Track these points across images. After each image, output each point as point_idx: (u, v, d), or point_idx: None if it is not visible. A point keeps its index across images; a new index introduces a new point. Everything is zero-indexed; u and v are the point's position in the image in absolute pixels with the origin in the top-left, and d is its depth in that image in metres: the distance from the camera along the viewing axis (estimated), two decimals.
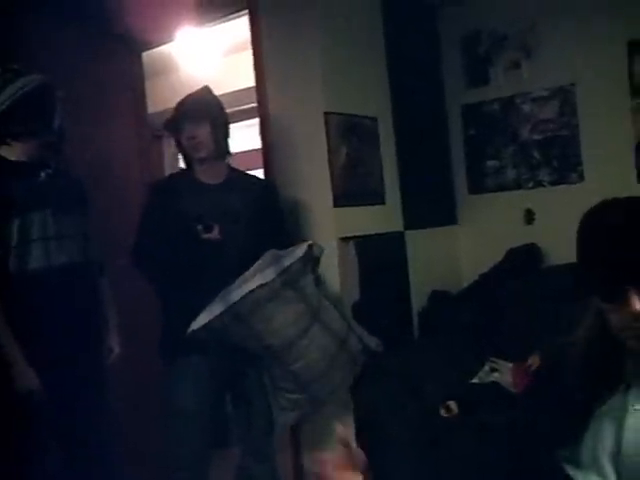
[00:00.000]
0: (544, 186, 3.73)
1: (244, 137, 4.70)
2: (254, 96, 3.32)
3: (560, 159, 3.66)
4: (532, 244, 3.63)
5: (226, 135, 2.78)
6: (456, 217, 4.03)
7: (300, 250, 2.64)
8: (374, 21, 3.48)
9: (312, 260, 2.69)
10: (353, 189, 3.24)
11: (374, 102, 3.44)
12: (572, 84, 3.59)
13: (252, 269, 2.58)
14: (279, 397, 2.73)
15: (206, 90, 2.79)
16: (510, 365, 3.15)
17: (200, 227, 2.58)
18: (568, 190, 3.61)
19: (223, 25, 3.63)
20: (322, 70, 3.12)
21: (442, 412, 2.88)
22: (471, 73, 3.93)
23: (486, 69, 3.87)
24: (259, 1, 3.24)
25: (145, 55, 3.86)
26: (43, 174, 2.55)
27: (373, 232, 3.31)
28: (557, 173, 3.68)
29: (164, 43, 3.85)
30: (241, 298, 2.48)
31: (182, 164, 2.91)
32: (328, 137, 3.10)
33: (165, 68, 4.67)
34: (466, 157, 3.99)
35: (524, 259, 3.60)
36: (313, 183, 3.14)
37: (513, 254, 3.63)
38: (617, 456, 1.30)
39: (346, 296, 3.05)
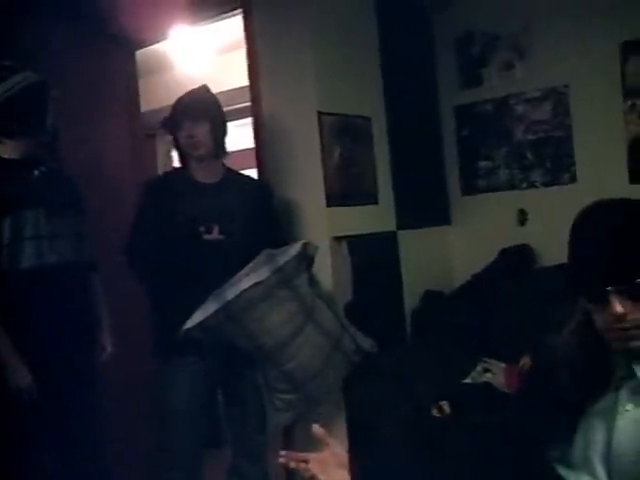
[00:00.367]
0: (537, 187, 3.73)
1: (237, 136, 4.70)
2: (247, 95, 3.32)
3: (553, 160, 3.66)
4: (525, 245, 3.64)
5: (224, 134, 2.78)
6: (449, 217, 4.03)
7: (294, 249, 2.64)
8: (368, 21, 3.48)
9: (306, 259, 2.69)
10: (346, 189, 3.24)
11: (368, 102, 3.44)
12: (565, 85, 3.60)
13: (246, 268, 2.57)
14: (273, 397, 2.73)
15: (204, 88, 2.79)
16: (503, 365, 3.16)
17: (202, 229, 2.58)
18: (561, 191, 3.62)
19: (216, 24, 3.62)
20: (316, 70, 3.12)
21: (434, 412, 2.88)
22: (464, 74, 3.93)
23: (479, 70, 3.88)
24: (253, 0, 3.24)
25: (138, 54, 3.85)
26: (37, 172, 2.54)
27: (366, 232, 3.31)
28: (550, 174, 3.68)
29: (157, 42, 3.83)
30: (235, 297, 2.48)
31: (176, 163, 2.91)
32: (321, 137, 3.10)
33: (158, 67, 4.66)
34: (459, 158, 3.99)
35: (517, 260, 3.61)
36: (306, 182, 3.14)
37: (506, 255, 3.63)
38: (608, 456, 1.30)
39: (339, 296, 3.05)
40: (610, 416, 1.31)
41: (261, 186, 2.99)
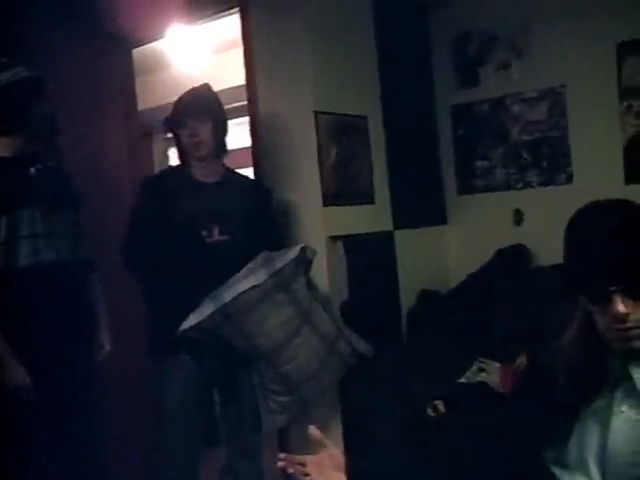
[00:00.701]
0: (533, 187, 3.74)
1: (233, 135, 4.69)
2: (244, 94, 3.32)
3: (549, 160, 3.67)
4: (521, 245, 3.65)
5: (225, 133, 2.78)
6: (445, 217, 4.03)
7: (293, 252, 2.64)
8: (365, 20, 3.48)
9: (304, 263, 2.69)
10: (342, 188, 3.24)
11: (364, 102, 3.44)
12: (562, 85, 3.60)
13: (244, 270, 2.57)
14: (268, 399, 2.73)
15: (207, 87, 2.78)
16: (498, 365, 3.16)
17: (205, 232, 2.58)
18: (557, 191, 3.63)
19: (213, 22, 3.61)
20: (313, 69, 3.12)
21: (430, 412, 2.89)
22: (461, 73, 3.94)
23: (476, 70, 3.88)
24: None
25: (135, 52, 3.84)
26: (33, 170, 2.52)
27: (362, 231, 3.31)
28: (546, 174, 3.69)
29: (154, 40, 3.83)
30: (232, 299, 2.48)
31: (173, 162, 2.90)
32: (318, 136, 3.10)
33: (155, 65, 4.65)
34: (456, 157, 4.00)
35: (513, 259, 3.61)
36: (303, 182, 3.14)
37: (502, 254, 3.64)
38: (603, 457, 1.30)
39: (335, 295, 3.05)
40: (605, 417, 1.32)
41: (259, 186, 3.00)
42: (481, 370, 3.19)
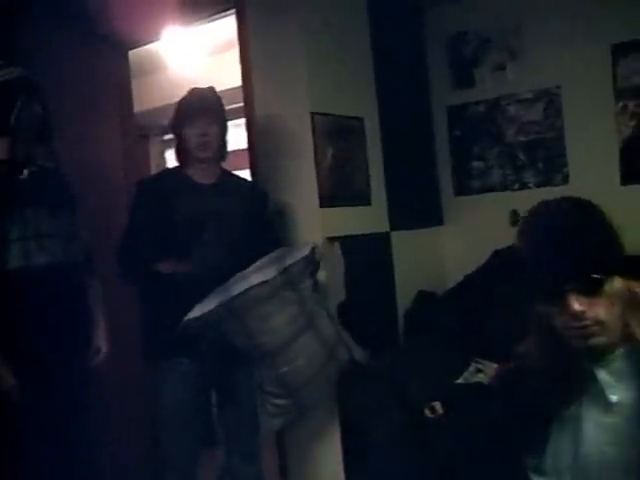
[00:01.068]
0: (529, 188, 3.75)
1: (230, 137, 4.69)
2: (240, 96, 3.32)
3: (545, 161, 3.68)
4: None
5: (227, 136, 2.79)
6: (442, 218, 4.04)
7: (303, 251, 2.65)
8: (360, 22, 3.49)
9: (313, 263, 2.70)
10: (339, 190, 3.24)
11: (360, 103, 3.45)
12: (557, 86, 3.61)
13: (253, 266, 2.57)
14: (266, 402, 2.72)
15: (213, 90, 2.78)
16: (495, 366, 3.16)
17: (202, 234, 2.57)
18: (553, 192, 3.61)
19: (209, 24, 3.62)
20: (309, 70, 3.12)
21: (427, 413, 2.89)
22: (457, 75, 3.95)
23: (471, 71, 3.89)
24: (246, 0, 3.24)
25: (131, 54, 3.84)
26: (26, 172, 2.51)
27: (359, 232, 3.31)
28: (542, 175, 3.70)
29: (150, 42, 3.83)
30: (240, 293, 2.47)
31: (169, 164, 2.89)
32: (314, 137, 3.10)
33: (151, 67, 4.65)
34: (452, 158, 4.01)
35: (509, 260, 3.61)
36: (299, 183, 3.14)
37: (498, 255, 3.64)
38: (575, 464, 1.30)
39: (332, 296, 3.05)
40: (577, 423, 1.32)
41: (256, 188, 3.00)
42: (478, 371, 3.19)
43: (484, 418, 2.65)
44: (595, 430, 1.29)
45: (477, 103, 3.89)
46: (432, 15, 3.97)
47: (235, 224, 2.68)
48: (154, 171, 4.91)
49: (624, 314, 1.28)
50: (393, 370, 3.09)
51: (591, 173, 3.51)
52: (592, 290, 1.24)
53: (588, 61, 3.49)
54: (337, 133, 3.24)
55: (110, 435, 2.92)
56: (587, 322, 1.24)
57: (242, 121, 3.39)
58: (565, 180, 3.62)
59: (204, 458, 2.79)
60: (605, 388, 1.28)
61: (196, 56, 4.54)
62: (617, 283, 1.28)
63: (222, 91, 3.93)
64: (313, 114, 3.11)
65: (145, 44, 3.84)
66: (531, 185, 3.74)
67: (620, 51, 3.39)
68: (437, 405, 2.88)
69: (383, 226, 3.52)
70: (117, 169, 3.63)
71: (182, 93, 2.77)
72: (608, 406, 1.28)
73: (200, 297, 2.51)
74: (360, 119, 3.42)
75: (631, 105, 3.39)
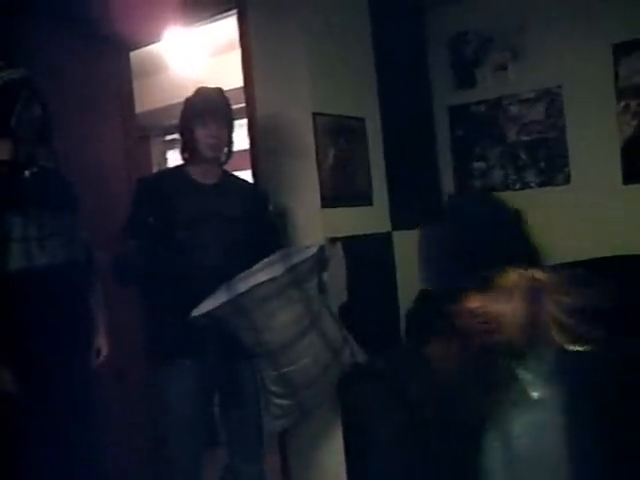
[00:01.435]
0: (531, 187, 3.74)
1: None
2: (242, 96, 3.32)
3: (547, 161, 3.68)
4: None
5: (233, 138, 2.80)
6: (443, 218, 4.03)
7: (311, 250, 2.66)
8: (362, 22, 3.49)
9: (321, 263, 2.70)
10: (341, 190, 3.24)
11: (362, 103, 3.45)
12: (559, 86, 3.61)
13: (260, 264, 2.57)
14: (269, 402, 2.72)
15: (222, 90, 2.78)
16: None
17: (205, 233, 2.57)
18: (555, 191, 3.63)
19: (211, 25, 3.62)
20: (310, 71, 3.12)
21: (428, 413, 2.88)
22: (458, 74, 3.94)
23: (473, 71, 3.89)
24: (247, 1, 3.24)
25: (133, 55, 3.84)
26: (27, 173, 2.51)
27: (361, 233, 3.31)
28: (544, 175, 3.70)
29: (152, 43, 3.83)
30: (247, 290, 2.47)
31: (170, 164, 2.89)
32: (316, 138, 3.10)
33: (153, 68, 4.66)
34: (453, 158, 4.01)
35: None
36: (301, 184, 3.14)
37: None
38: (509, 466, 1.29)
39: (334, 297, 3.05)
40: (504, 425, 1.31)
41: (257, 190, 3.00)
42: None
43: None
44: (522, 429, 1.28)
45: (478, 103, 3.89)
46: (433, 15, 3.97)
47: (236, 225, 2.68)
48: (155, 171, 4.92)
49: (530, 307, 1.27)
50: (395, 369, 3.09)
51: (593, 172, 3.50)
52: (485, 287, 1.24)
53: (590, 60, 3.49)
54: (339, 133, 3.24)
55: (110, 436, 2.92)
56: (485, 318, 1.24)
57: (244, 121, 3.39)
58: (567, 180, 3.61)
59: (206, 458, 2.79)
60: (526, 386, 1.28)
61: (197, 57, 4.54)
62: (513, 276, 1.27)
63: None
64: (315, 114, 3.11)
65: (146, 45, 3.85)
66: (533, 185, 3.74)
67: (622, 50, 3.39)
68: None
69: (385, 226, 3.51)
70: (118, 170, 3.64)
71: (184, 94, 2.77)
72: (532, 404, 1.27)
73: (201, 297, 2.50)
74: (362, 119, 3.42)
75: (633, 104, 3.39)
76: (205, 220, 2.62)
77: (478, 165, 3.92)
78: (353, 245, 3.21)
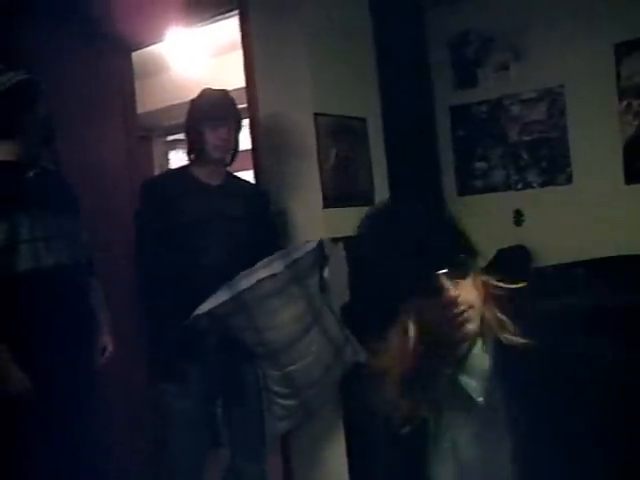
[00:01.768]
0: (533, 187, 3.74)
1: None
2: (243, 97, 3.32)
3: (549, 161, 3.67)
4: (521, 245, 3.64)
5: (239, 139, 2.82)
6: None
7: (309, 246, 2.66)
8: (363, 22, 3.49)
9: (321, 258, 2.70)
10: (342, 190, 3.24)
11: (363, 103, 3.45)
12: (560, 86, 3.61)
13: (261, 263, 2.58)
14: (272, 403, 2.72)
15: (227, 93, 2.79)
16: None
17: (211, 234, 2.57)
18: (557, 191, 3.63)
19: (213, 25, 3.62)
20: (312, 71, 3.12)
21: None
22: (460, 74, 3.94)
23: (474, 71, 3.88)
24: (249, 1, 3.24)
25: (134, 55, 3.85)
26: (31, 174, 2.52)
27: None
28: (546, 174, 3.69)
29: (154, 43, 3.83)
30: (249, 287, 2.48)
31: (173, 165, 2.90)
32: (318, 138, 3.11)
33: (155, 68, 4.66)
34: (455, 158, 4.00)
35: (513, 260, 3.61)
36: (303, 184, 3.14)
37: (502, 255, 3.63)
38: (460, 474, 1.28)
39: (336, 297, 3.04)
40: (450, 433, 1.29)
41: (259, 191, 3.02)
42: None
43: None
44: (469, 436, 1.26)
45: (480, 103, 3.88)
46: (434, 15, 3.97)
47: (239, 226, 2.69)
48: (157, 172, 4.92)
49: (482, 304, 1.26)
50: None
51: (595, 172, 3.50)
52: (459, 274, 1.22)
53: (591, 60, 3.48)
54: (340, 133, 3.24)
55: (113, 437, 2.93)
56: (463, 307, 1.21)
57: (245, 122, 3.39)
58: (569, 180, 3.60)
59: (209, 458, 2.79)
60: (470, 392, 1.25)
61: (199, 57, 4.54)
62: (475, 273, 1.26)
63: None
64: (316, 115, 3.11)
65: (148, 45, 3.85)
66: (535, 185, 3.73)
67: (623, 50, 3.38)
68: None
69: None
70: (120, 170, 3.64)
71: (186, 94, 2.78)
72: (476, 410, 1.24)
73: (204, 298, 2.50)
74: (363, 119, 3.42)
75: (635, 104, 3.38)
76: (210, 221, 2.62)
77: (480, 165, 3.91)
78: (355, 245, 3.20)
